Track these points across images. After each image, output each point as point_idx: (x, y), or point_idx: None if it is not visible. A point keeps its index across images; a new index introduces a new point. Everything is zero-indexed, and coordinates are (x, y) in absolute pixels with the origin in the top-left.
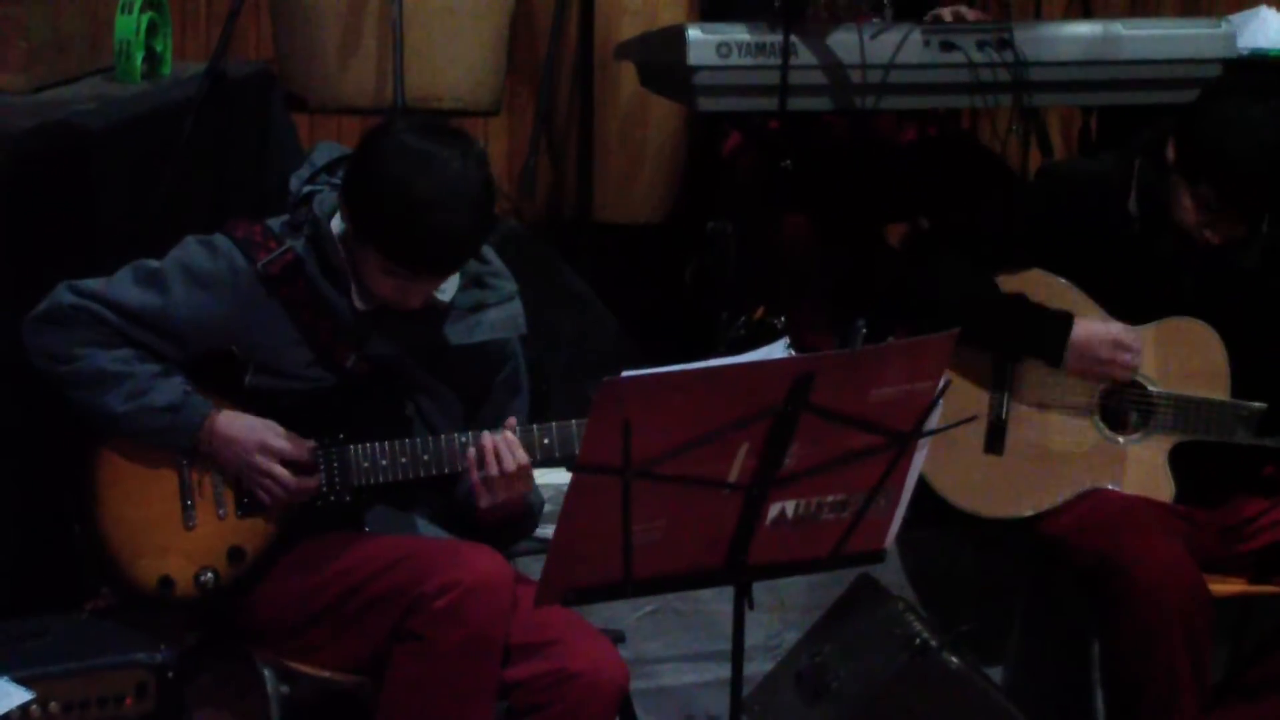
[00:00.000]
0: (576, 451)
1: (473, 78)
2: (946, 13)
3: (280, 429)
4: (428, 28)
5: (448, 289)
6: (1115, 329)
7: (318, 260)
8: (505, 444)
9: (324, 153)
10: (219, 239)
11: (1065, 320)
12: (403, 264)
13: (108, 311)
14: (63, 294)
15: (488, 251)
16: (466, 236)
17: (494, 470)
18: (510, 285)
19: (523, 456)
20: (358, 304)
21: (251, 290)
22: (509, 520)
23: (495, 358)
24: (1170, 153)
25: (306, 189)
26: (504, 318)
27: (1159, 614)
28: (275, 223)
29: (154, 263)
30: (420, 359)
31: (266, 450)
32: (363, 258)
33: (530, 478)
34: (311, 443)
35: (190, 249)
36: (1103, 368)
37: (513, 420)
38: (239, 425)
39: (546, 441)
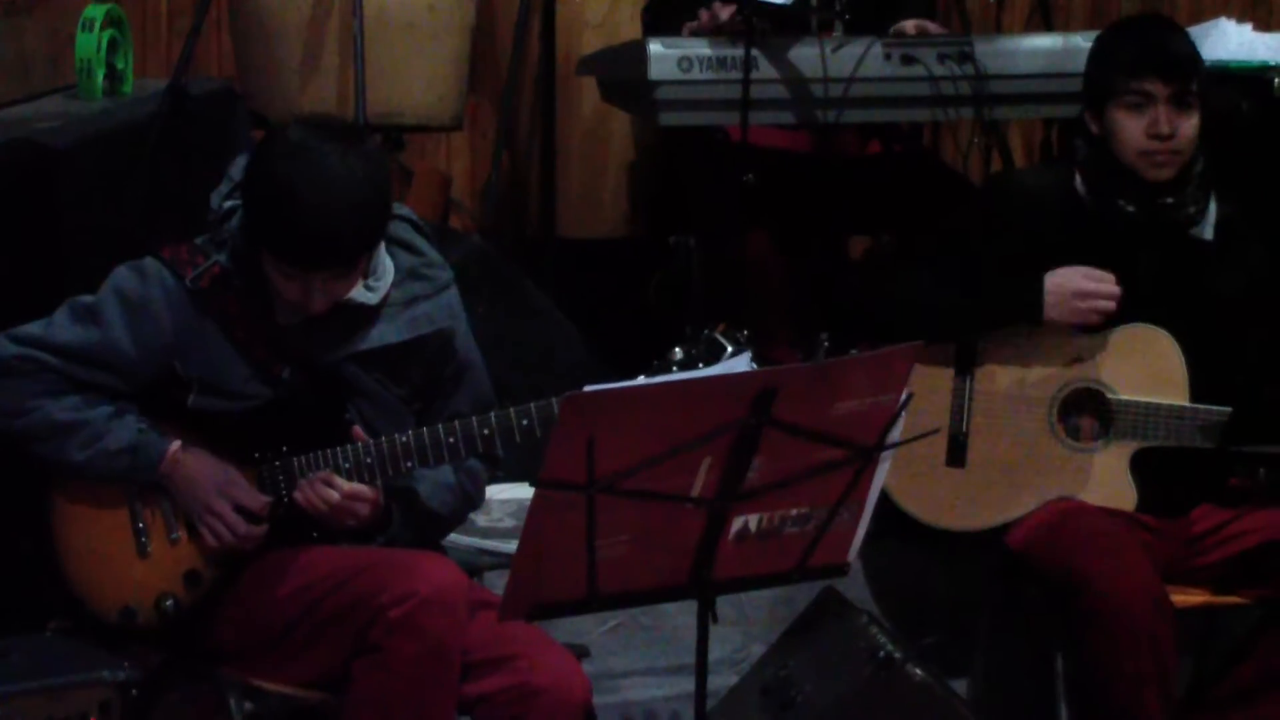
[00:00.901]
0: (517, 441)
1: (434, 94)
2: (910, 25)
3: (240, 477)
4: (389, 44)
5: (379, 289)
6: (1081, 268)
7: (240, 274)
8: (311, 490)
9: (240, 167)
10: (147, 262)
11: (1035, 284)
12: (286, 262)
13: (51, 357)
14: (3, 345)
15: (420, 243)
16: (341, 228)
17: (322, 508)
18: (444, 274)
19: (347, 488)
20: (279, 318)
21: (185, 309)
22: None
23: (435, 353)
24: (1086, 118)
25: (226, 204)
26: (438, 309)
27: (1123, 627)
28: (200, 240)
29: (88, 298)
30: (359, 363)
31: (225, 494)
32: (264, 262)
33: (364, 500)
34: (268, 498)
35: (121, 277)
36: (1085, 302)
37: (357, 429)
38: (201, 465)
39: (486, 433)
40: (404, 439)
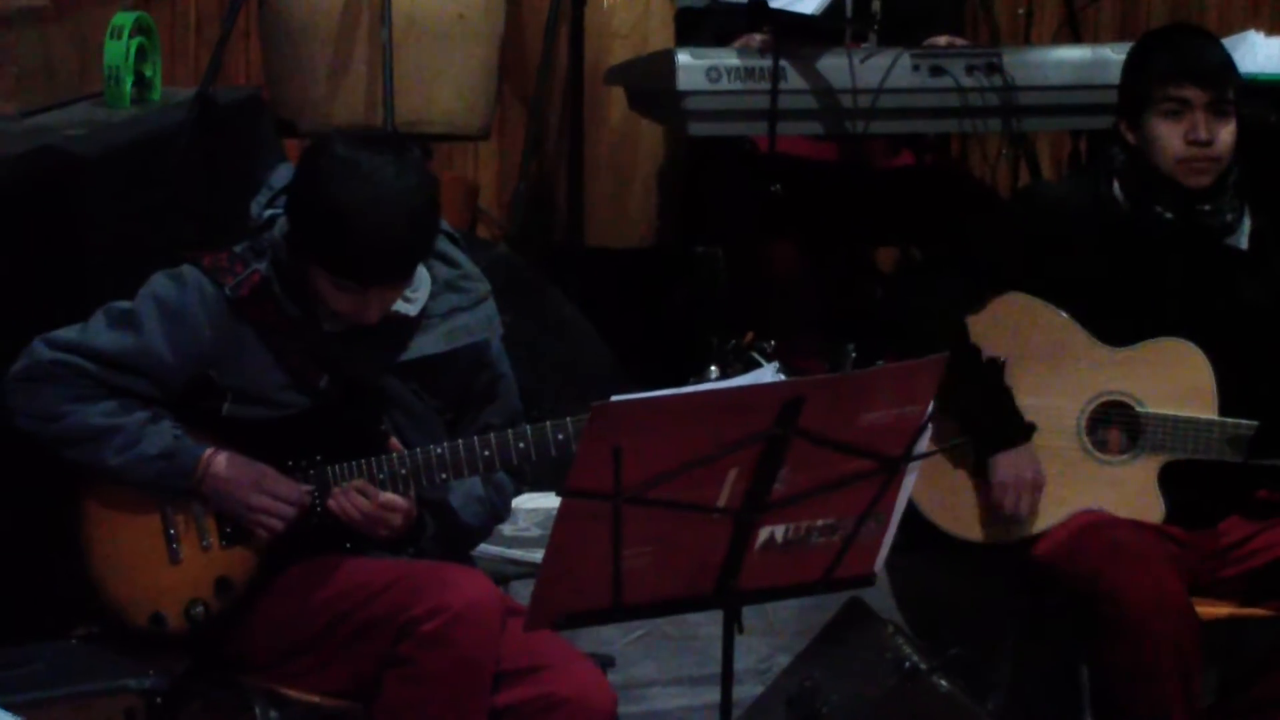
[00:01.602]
0: (551, 455)
1: (463, 102)
2: (942, 40)
3: (274, 471)
4: (418, 52)
5: (417, 300)
6: (1039, 475)
7: (282, 283)
8: (345, 498)
9: (281, 175)
10: (186, 270)
11: (1028, 429)
12: (345, 276)
13: (87, 362)
14: (40, 350)
15: (457, 255)
16: (401, 241)
17: (356, 517)
18: (482, 286)
19: (383, 498)
20: (325, 326)
21: (223, 316)
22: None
23: (470, 364)
24: (1121, 127)
25: (267, 213)
26: (477, 321)
27: (1149, 640)
28: (239, 248)
29: (125, 304)
30: (396, 373)
31: (263, 490)
32: (314, 276)
33: (398, 510)
34: (308, 486)
35: (159, 284)
36: (1014, 486)
37: (394, 440)
38: (234, 467)
39: (522, 446)
40: (439, 450)
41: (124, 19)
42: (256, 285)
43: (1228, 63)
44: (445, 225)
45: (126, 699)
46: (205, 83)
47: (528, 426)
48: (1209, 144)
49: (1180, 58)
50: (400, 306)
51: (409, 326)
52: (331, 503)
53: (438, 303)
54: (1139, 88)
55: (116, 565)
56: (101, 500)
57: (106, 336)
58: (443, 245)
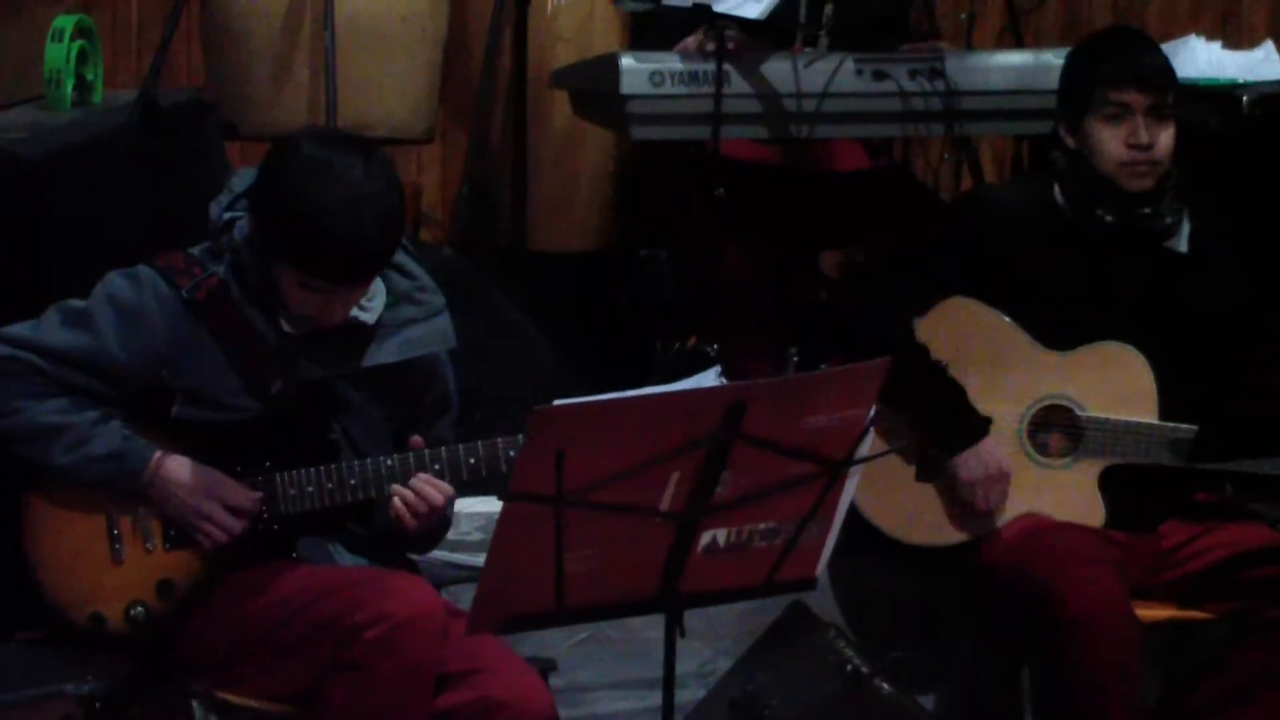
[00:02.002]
0: (503, 470)
1: (406, 105)
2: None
3: (225, 478)
4: (360, 55)
5: (373, 309)
6: (1006, 463)
7: (241, 286)
8: (428, 484)
9: (243, 178)
10: (141, 270)
11: (983, 423)
12: (315, 275)
13: (39, 359)
14: None
15: (413, 267)
16: (374, 241)
17: (423, 509)
18: (438, 299)
19: (446, 488)
20: (286, 328)
21: (178, 318)
22: (430, 531)
23: (423, 375)
24: (1061, 131)
25: (227, 215)
26: (431, 332)
27: (1091, 642)
28: (197, 250)
29: (79, 302)
30: (349, 381)
31: (213, 496)
32: (279, 275)
33: (452, 500)
34: (259, 494)
35: (114, 283)
36: (982, 483)
37: (418, 439)
38: (184, 471)
39: (473, 462)
40: (389, 462)
41: (65, 22)
42: (214, 288)
43: (1167, 67)
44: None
45: (64, 704)
46: (147, 85)
47: (479, 442)
48: (1149, 148)
49: (1121, 62)
50: (357, 314)
51: (365, 335)
52: (398, 501)
53: (394, 313)
54: (1079, 91)
55: (59, 563)
56: (47, 497)
57: (60, 334)
58: (399, 257)
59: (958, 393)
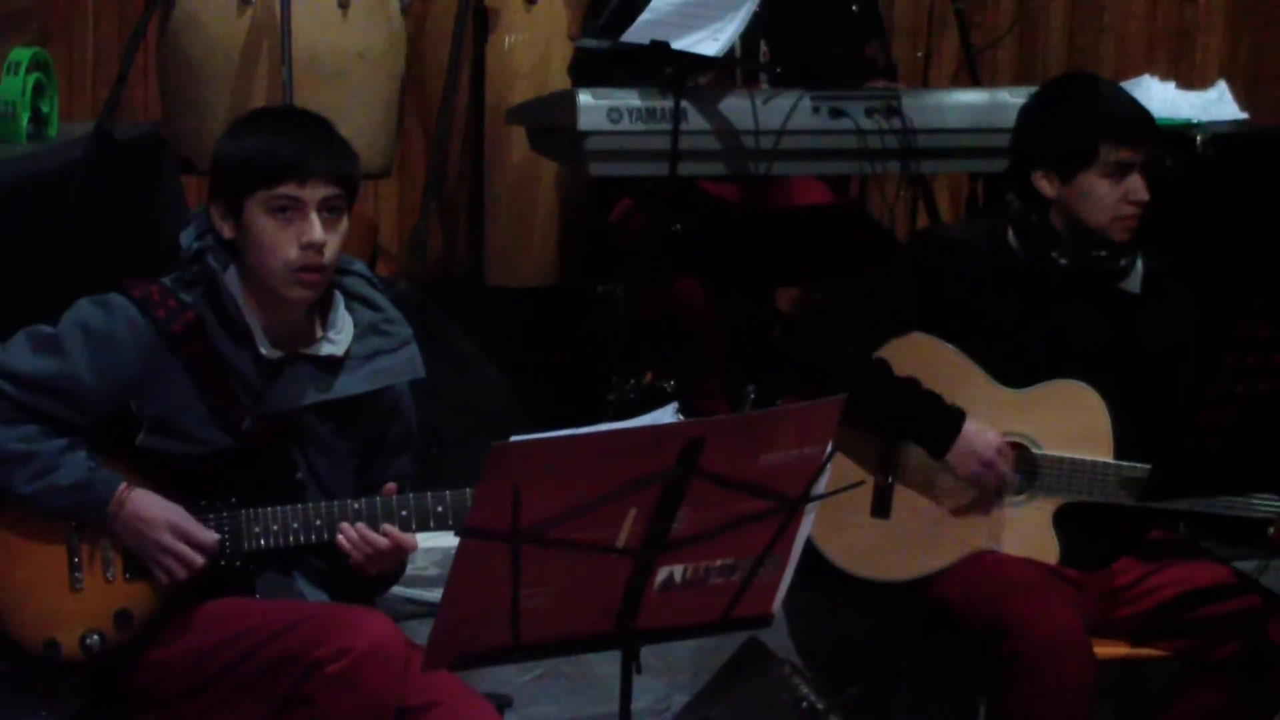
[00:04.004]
0: (432, 525)
1: (363, 140)
2: (880, 85)
3: (188, 515)
4: (318, 90)
5: (340, 341)
6: (1000, 439)
7: (217, 316)
8: (366, 533)
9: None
10: (114, 298)
11: (957, 415)
12: (282, 176)
13: (7, 384)
14: None
15: (379, 299)
16: (319, 128)
17: (367, 551)
18: (405, 330)
19: (406, 540)
20: (264, 351)
21: (151, 348)
22: (388, 574)
23: (388, 411)
24: (1037, 177)
25: (197, 245)
26: (401, 362)
27: (1046, 678)
28: (169, 280)
29: (48, 328)
30: (315, 413)
31: (176, 531)
32: (253, 221)
33: (405, 547)
34: (217, 536)
35: (85, 310)
36: (981, 469)
37: (392, 486)
38: (150, 505)
39: (440, 510)
40: (355, 505)
41: (21, 54)
42: (190, 322)
43: (1154, 119)
44: (364, 269)
45: None
46: (104, 118)
47: (448, 492)
48: (1145, 204)
49: (1131, 119)
50: (326, 347)
51: (335, 366)
52: (341, 538)
53: (361, 345)
54: (1079, 144)
55: (16, 587)
56: (8, 522)
57: (29, 360)
58: (365, 289)
59: (926, 393)
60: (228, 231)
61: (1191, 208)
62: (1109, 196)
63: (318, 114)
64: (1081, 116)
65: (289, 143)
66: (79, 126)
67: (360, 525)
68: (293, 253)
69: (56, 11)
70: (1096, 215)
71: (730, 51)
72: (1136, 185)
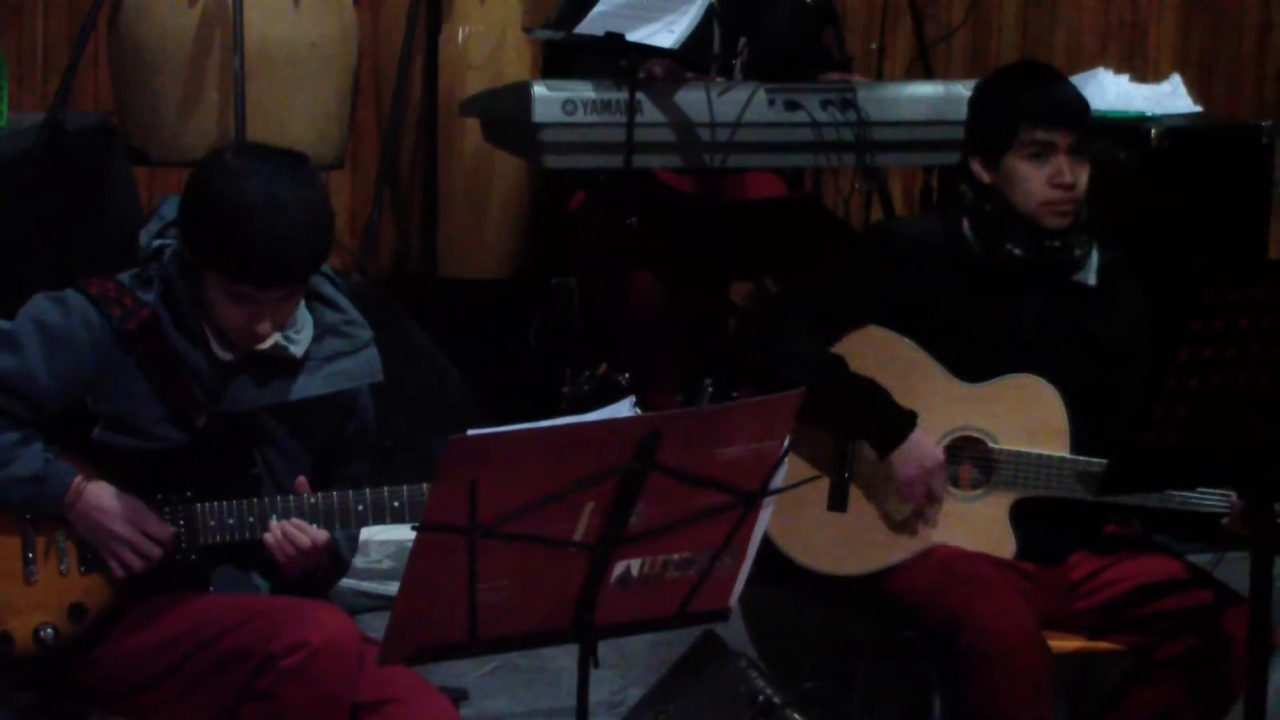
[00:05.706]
0: (388, 520)
1: (315, 131)
2: (835, 78)
3: (146, 508)
4: (270, 81)
5: (300, 341)
6: (941, 458)
7: (173, 316)
8: (294, 528)
9: (172, 206)
10: (70, 295)
11: (908, 418)
12: (241, 278)
13: None
14: None
15: (341, 300)
16: (298, 241)
17: (290, 551)
18: (365, 333)
19: (316, 535)
20: (218, 353)
21: (107, 346)
22: (317, 575)
23: (345, 411)
24: (975, 166)
25: (156, 243)
26: (359, 365)
27: (1002, 671)
28: (126, 277)
29: (4, 323)
30: (273, 414)
31: (132, 523)
32: (209, 288)
33: (324, 550)
34: (174, 529)
35: (41, 306)
36: (919, 479)
37: (302, 480)
38: (106, 497)
39: (397, 505)
40: (312, 500)
41: None
42: (145, 320)
43: (1087, 105)
44: (328, 269)
45: None
46: (54, 109)
47: (405, 486)
48: (1072, 187)
49: (1045, 99)
50: (286, 346)
51: (293, 367)
52: (268, 536)
53: (321, 346)
54: (999, 127)
55: None
56: None
57: None
58: (327, 289)
59: (880, 392)
60: (186, 252)
61: (1145, 201)
62: (1033, 179)
63: (308, 212)
64: (1003, 98)
65: (252, 247)
66: (29, 116)
67: (284, 524)
68: (239, 324)
69: (5, 1)
70: (1025, 201)
71: (688, 43)
72: (1062, 168)
